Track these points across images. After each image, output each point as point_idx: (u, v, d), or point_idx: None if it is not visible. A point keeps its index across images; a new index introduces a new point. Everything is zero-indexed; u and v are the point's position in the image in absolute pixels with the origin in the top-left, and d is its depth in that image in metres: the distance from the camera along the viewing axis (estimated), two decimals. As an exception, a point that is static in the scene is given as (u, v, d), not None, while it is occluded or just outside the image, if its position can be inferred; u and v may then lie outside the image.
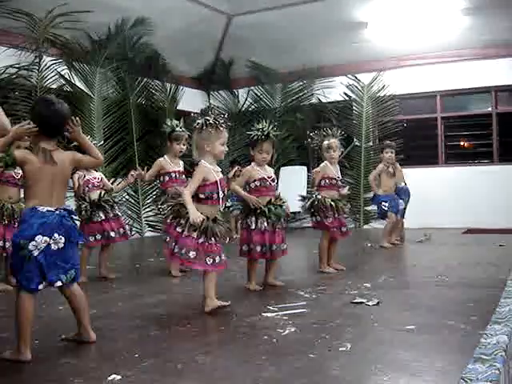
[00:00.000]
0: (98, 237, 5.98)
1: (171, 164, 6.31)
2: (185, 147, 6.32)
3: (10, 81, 8.78)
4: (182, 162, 6.45)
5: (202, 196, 4.35)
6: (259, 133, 5.23)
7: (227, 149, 4.53)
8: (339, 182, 6.31)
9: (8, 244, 5.27)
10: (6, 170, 5.16)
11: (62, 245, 3.35)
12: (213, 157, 4.41)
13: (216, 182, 4.36)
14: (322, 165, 6.29)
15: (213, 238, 4.29)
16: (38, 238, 3.25)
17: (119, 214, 6.21)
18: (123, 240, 6.31)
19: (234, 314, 4.29)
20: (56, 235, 3.32)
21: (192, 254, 4.21)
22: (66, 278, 3.43)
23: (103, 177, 6.32)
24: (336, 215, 6.12)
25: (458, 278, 5.64)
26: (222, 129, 4.38)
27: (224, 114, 4.50)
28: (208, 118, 4.35)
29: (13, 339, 3.52)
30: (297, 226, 11.14)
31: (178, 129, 6.31)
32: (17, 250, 3.25)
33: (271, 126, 5.29)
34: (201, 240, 4.24)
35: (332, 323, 3.95)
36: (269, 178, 5.30)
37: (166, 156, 6.38)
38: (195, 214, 4.18)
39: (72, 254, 3.45)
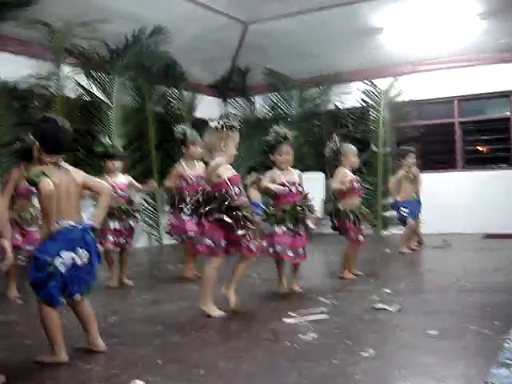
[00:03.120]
0: (110, 238, 5.98)
1: (187, 168, 6.35)
2: (201, 150, 6.34)
3: (29, 90, 8.87)
4: (202, 164, 6.38)
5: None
6: (276, 136, 5.27)
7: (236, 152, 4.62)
8: (359, 185, 6.30)
9: None
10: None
11: (86, 260, 3.39)
12: (227, 158, 4.48)
13: (225, 181, 4.44)
14: (341, 173, 6.25)
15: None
16: (64, 254, 3.28)
17: (133, 226, 6.21)
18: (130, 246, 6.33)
19: (256, 320, 4.31)
20: (80, 250, 3.35)
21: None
22: (87, 291, 3.47)
23: (132, 180, 6.34)
24: (356, 224, 6.12)
25: (478, 283, 5.61)
26: (236, 131, 4.51)
27: (236, 118, 4.61)
28: (225, 120, 4.48)
29: (37, 345, 3.58)
30: (315, 232, 11.05)
31: (189, 132, 6.42)
32: (41, 267, 3.26)
33: (287, 128, 5.36)
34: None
35: (354, 329, 3.96)
36: (288, 182, 5.32)
37: (181, 160, 6.42)
38: None
39: (93, 268, 3.49)
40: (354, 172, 6.37)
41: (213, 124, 4.48)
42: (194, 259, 6.52)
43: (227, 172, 4.50)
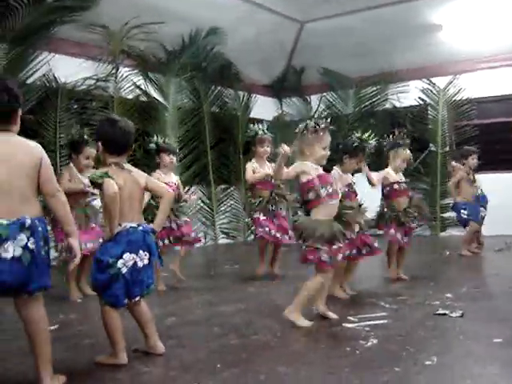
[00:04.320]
0: (166, 241, 5.97)
1: (258, 167, 6.46)
2: (269, 149, 6.52)
3: (88, 92, 9.02)
4: (270, 165, 6.46)
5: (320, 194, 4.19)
6: (364, 144, 5.25)
7: (329, 153, 4.35)
8: (404, 185, 6.13)
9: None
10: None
11: (147, 261, 3.40)
12: (314, 161, 4.29)
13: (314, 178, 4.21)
14: (382, 172, 6.12)
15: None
16: (126, 255, 3.30)
17: (187, 220, 6.20)
18: (191, 246, 6.32)
19: (315, 324, 4.23)
20: (141, 252, 3.36)
21: None
22: (146, 292, 3.48)
23: (179, 182, 6.35)
24: (400, 226, 6.00)
25: (544, 288, 5.42)
26: (322, 133, 4.24)
27: (326, 118, 4.40)
28: (308, 122, 4.27)
29: (97, 345, 3.59)
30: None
31: (260, 132, 6.48)
32: (104, 269, 3.28)
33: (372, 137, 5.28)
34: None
35: (415, 335, 3.85)
36: (349, 184, 5.32)
37: (253, 160, 6.54)
38: None
39: (152, 270, 3.50)
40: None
41: (298, 128, 4.31)
42: (276, 258, 6.69)
43: (316, 171, 4.25)
